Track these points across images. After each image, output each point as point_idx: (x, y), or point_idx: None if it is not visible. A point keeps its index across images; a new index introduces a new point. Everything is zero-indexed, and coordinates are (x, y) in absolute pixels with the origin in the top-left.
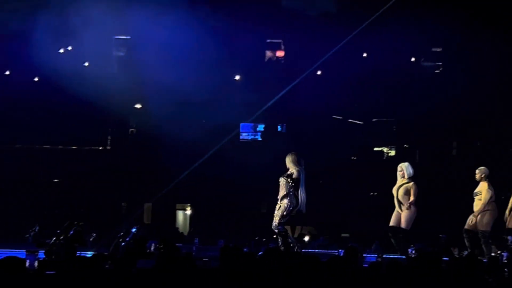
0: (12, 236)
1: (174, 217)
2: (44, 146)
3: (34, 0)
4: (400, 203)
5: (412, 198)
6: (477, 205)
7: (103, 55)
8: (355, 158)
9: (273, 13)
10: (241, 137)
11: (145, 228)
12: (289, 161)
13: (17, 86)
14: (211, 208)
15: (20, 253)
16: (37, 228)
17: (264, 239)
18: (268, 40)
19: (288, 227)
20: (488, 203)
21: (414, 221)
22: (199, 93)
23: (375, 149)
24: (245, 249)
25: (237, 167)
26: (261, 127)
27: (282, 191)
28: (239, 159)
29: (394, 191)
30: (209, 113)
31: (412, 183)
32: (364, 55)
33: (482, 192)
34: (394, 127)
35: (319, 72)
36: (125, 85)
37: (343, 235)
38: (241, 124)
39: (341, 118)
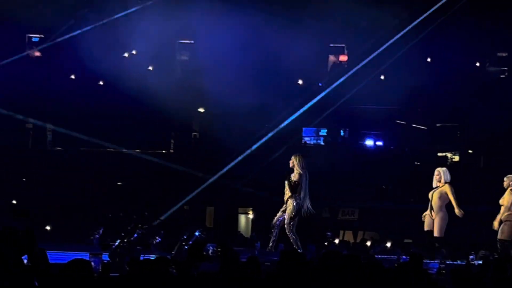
0: (77, 239)
1: (236, 221)
2: (108, 150)
3: (99, 5)
4: (431, 209)
5: (453, 201)
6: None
7: (167, 59)
8: (418, 163)
9: (336, 17)
10: (303, 142)
11: (207, 231)
12: (294, 163)
13: (82, 91)
14: (273, 212)
15: (85, 255)
16: (102, 230)
17: (326, 243)
18: (332, 45)
19: (350, 233)
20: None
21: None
22: (261, 97)
23: (439, 154)
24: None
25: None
26: (323, 132)
27: (287, 193)
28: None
29: (430, 195)
30: (272, 118)
31: (446, 185)
32: (428, 60)
33: (505, 199)
34: (458, 132)
35: (382, 77)
36: (188, 89)
37: (405, 240)
38: (303, 129)
39: (404, 123)
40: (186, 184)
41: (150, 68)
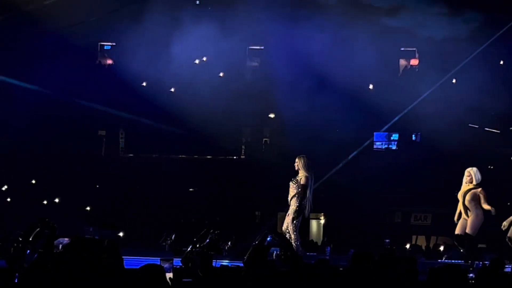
0: (148, 244)
1: (307, 226)
2: (180, 156)
3: (171, 12)
4: (467, 209)
5: (484, 204)
6: None
7: (238, 65)
8: (492, 167)
9: (407, 21)
10: (375, 146)
11: (279, 237)
12: (299, 165)
13: (154, 97)
14: (344, 217)
15: (155, 260)
16: (174, 236)
17: (394, 247)
18: (402, 49)
19: (422, 237)
20: None
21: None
22: (332, 102)
23: None
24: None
25: (370, 176)
26: (395, 136)
27: (290, 194)
28: (372, 168)
29: (460, 196)
30: (343, 122)
31: (480, 188)
32: (501, 62)
33: None
34: None
35: (454, 81)
36: (258, 95)
37: (479, 245)
38: (375, 133)
39: (477, 126)
40: (257, 189)
41: (221, 74)
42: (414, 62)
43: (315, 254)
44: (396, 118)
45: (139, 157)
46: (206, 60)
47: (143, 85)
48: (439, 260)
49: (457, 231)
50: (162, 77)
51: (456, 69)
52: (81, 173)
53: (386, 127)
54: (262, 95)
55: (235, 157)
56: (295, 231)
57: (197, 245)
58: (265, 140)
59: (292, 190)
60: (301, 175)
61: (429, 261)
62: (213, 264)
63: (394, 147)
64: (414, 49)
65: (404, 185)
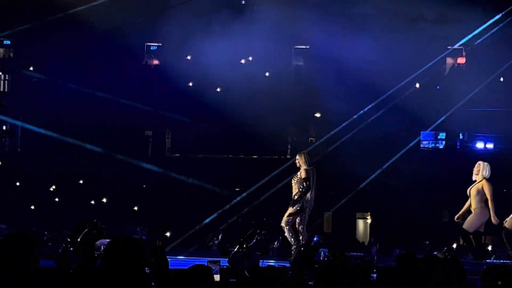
0: (195, 244)
1: (354, 226)
2: (226, 156)
3: (217, 12)
4: (471, 205)
5: (490, 201)
6: None
7: (283, 65)
8: None
9: (454, 20)
10: (421, 146)
11: (325, 237)
12: (300, 161)
13: (201, 98)
14: (391, 217)
15: (203, 261)
16: (220, 236)
17: (445, 248)
18: (449, 47)
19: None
20: None
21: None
22: (378, 101)
23: None
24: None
25: (417, 176)
26: (442, 135)
27: (294, 191)
28: (419, 168)
29: (468, 191)
30: (389, 121)
31: (484, 181)
32: None
33: None
34: None
35: (501, 79)
36: (304, 94)
37: None
38: (422, 132)
39: None
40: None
41: (267, 74)
42: (461, 60)
43: (361, 254)
44: (444, 117)
45: (185, 157)
46: (251, 60)
47: (189, 85)
48: (487, 260)
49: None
50: (208, 77)
51: (504, 67)
52: (128, 173)
53: (433, 126)
54: (307, 94)
55: (281, 157)
56: (287, 225)
57: (244, 246)
58: (311, 140)
59: (295, 187)
60: (302, 171)
61: (476, 261)
62: (260, 264)
63: (441, 146)
64: (461, 47)
65: (451, 184)
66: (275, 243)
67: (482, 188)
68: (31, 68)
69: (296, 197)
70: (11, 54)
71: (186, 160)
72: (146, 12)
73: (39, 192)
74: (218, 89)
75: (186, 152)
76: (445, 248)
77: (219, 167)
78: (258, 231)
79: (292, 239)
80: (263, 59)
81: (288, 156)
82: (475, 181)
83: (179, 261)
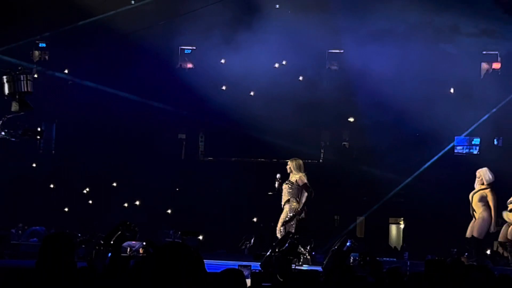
0: (228, 248)
1: (387, 231)
2: (259, 160)
3: (251, 15)
4: (473, 210)
5: (492, 209)
6: None
7: (317, 69)
8: None
9: (490, 24)
10: (455, 151)
11: (358, 241)
12: (291, 167)
13: (233, 101)
14: (424, 222)
15: (234, 265)
16: (253, 240)
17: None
18: (484, 52)
19: None
20: None
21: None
22: (412, 106)
23: None
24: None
25: (451, 181)
26: (476, 141)
27: (284, 197)
28: (453, 173)
29: (470, 197)
30: (423, 126)
31: (488, 189)
32: None
33: None
34: None
35: None
36: (338, 98)
37: None
38: (456, 138)
39: None
40: (336, 194)
41: (300, 78)
42: (496, 65)
43: (394, 259)
44: (478, 123)
45: (218, 161)
46: (285, 64)
47: (222, 89)
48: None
49: (467, 234)
50: (241, 81)
51: None
52: (161, 176)
53: (467, 131)
54: (341, 98)
55: (314, 161)
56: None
57: (277, 250)
58: (344, 144)
59: (286, 193)
60: (296, 176)
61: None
62: (292, 268)
63: (475, 152)
64: (496, 52)
65: None
66: (308, 248)
67: (486, 196)
68: (66, 71)
69: (289, 210)
70: (47, 57)
71: (219, 164)
72: (180, 15)
73: (73, 195)
74: (252, 93)
75: (219, 155)
76: (466, 254)
77: (251, 171)
78: (291, 235)
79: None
80: (297, 63)
81: (321, 161)
82: (479, 189)
83: (211, 264)
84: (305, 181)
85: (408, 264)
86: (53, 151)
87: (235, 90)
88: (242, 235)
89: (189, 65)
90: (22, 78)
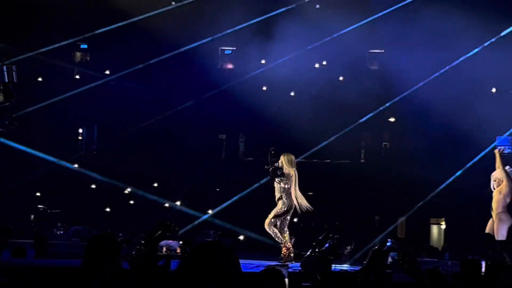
0: (268, 248)
1: (428, 232)
2: (299, 160)
3: (291, 17)
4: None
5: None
6: None
7: (358, 69)
8: None
9: None
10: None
11: (399, 242)
12: (283, 162)
13: (273, 101)
14: (465, 222)
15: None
16: (293, 240)
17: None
18: None
19: None
20: None
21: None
22: (452, 106)
23: None
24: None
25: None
26: None
27: (277, 195)
28: None
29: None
30: (464, 126)
31: (499, 170)
32: None
33: None
34: None
35: None
36: (379, 98)
37: None
38: (497, 137)
39: None
40: (377, 194)
41: (341, 78)
42: None
43: (435, 260)
44: None
45: (258, 161)
46: (326, 64)
47: (263, 89)
48: None
49: (487, 230)
50: (282, 82)
51: None
52: (202, 176)
53: (510, 131)
54: (382, 98)
55: (354, 161)
56: (270, 226)
57: (317, 250)
58: (385, 144)
59: (278, 190)
60: (285, 171)
61: None
62: (332, 268)
63: None
64: None
65: None
66: (349, 247)
67: (502, 179)
68: (107, 72)
69: (281, 206)
70: (88, 58)
71: (259, 164)
72: (220, 16)
73: (114, 195)
74: (292, 93)
75: (259, 156)
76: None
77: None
78: (331, 235)
79: (277, 238)
80: (338, 63)
81: (362, 161)
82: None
83: (249, 264)
84: (289, 174)
85: (449, 264)
86: (95, 152)
87: (275, 91)
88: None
89: (230, 66)
90: (5, 69)
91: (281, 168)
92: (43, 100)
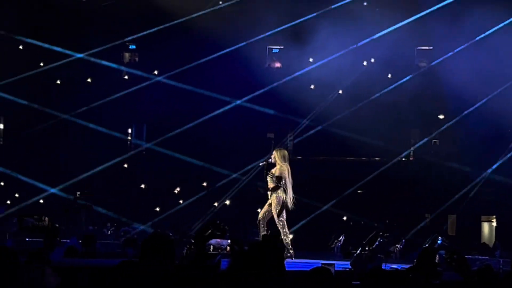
0: (318, 246)
1: (479, 229)
2: (348, 158)
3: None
4: None
5: None
6: None
7: (406, 67)
8: None
9: None
10: None
11: (450, 239)
12: (276, 157)
13: (321, 100)
14: None
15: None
16: (343, 238)
17: None
18: None
19: None
20: None
21: None
22: (503, 103)
23: None
24: None
25: None
26: None
27: (270, 186)
28: None
29: None
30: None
31: None
32: None
33: None
34: None
35: None
36: (427, 96)
37: None
38: None
39: None
40: (427, 192)
41: (389, 75)
42: None
43: (487, 257)
44: None
45: (307, 160)
46: (374, 62)
47: (311, 88)
48: None
49: None
50: (330, 80)
51: None
52: (250, 175)
53: None
54: (430, 96)
55: (403, 159)
56: (282, 227)
57: (366, 248)
58: (434, 142)
59: (270, 183)
60: (277, 167)
61: None
62: (383, 267)
63: None
64: None
65: None
66: (399, 246)
67: None
68: (156, 72)
69: (276, 202)
70: (136, 59)
71: (308, 163)
72: (267, 15)
73: (164, 194)
74: (340, 91)
75: (307, 154)
76: None
77: (340, 170)
78: (381, 233)
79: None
80: (385, 60)
81: (411, 158)
82: None
83: (301, 263)
84: (283, 174)
85: (501, 262)
86: (144, 152)
87: (323, 89)
88: (332, 233)
89: (277, 65)
90: None
91: (274, 164)
92: (93, 100)
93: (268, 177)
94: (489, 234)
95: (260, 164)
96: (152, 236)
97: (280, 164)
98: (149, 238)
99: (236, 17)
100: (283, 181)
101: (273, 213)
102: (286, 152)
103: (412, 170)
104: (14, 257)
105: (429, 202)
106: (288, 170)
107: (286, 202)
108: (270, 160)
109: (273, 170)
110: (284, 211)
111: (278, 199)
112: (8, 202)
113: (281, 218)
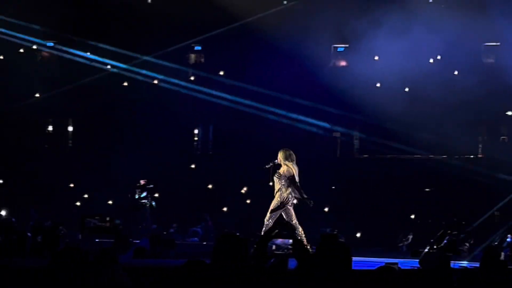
0: (386, 245)
1: None
2: (415, 156)
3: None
4: None
5: None
6: None
7: (473, 63)
8: None
9: None
10: None
11: None
12: (280, 158)
13: (388, 98)
14: None
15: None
16: (411, 237)
17: None
18: None
19: None
20: None
21: None
22: None
23: None
24: None
25: None
26: None
27: (276, 188)
28: None
29: None
30: None
31: None
32: None
33: None
34: None
35: None
36: (495, 92)
37: None
38: None
39: None
40: (496, 189)
41: (456, 72)
42: None
43: None
44: None
45: (374, 158)
46: (440, 59)
47: (377, 86)
48: None
49: None
50: (396, 78)
51: None
52: (316, 174)
53: None
54: (498, 92)
55: (472, 156)
56: (290, 219)
57: (435, 246)
58: (503, 138)
59: (277, 184)
60: (284, 168)
61: None
62: (451, 265)
63: None
64: None
65: None
66: (467, 244)
67: None
68: (222, 73)
69: (278, 200)
70: (202, 60)
71: (375, 161)
72: (332, 14)
73: (231, 195)
74: (407, 89)
75: (374, 153)
76: None
77: (407, 168)
78: (449, 231)
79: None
80: (452, 57)
81: (480, 156)
82: None
83: (367, 262)
84: (292, 173)
85: None
86: (211, 152)
87: (389, 87)
88: (400, 232)
89: (343, 63)
90: None
91: (279, 165)
92: (159, 101)
93: (275, 177)
94: None
95: (266, 166)
96: (224, 236)
97: (285, 164)
98: (222, 238)
99: (300, 16)
100: (298, 180)
101: (270, 207)
102: (289, 152)
103: (481, 167)
104: (85, 257)
105: (498, 199)
106: (295, 169)
107: (287, 203)
108: (276, 161)
109: (280, 171)
110: (293, 211)
111: (282, 198)
112: (78, 203)
113: (272, 214)
